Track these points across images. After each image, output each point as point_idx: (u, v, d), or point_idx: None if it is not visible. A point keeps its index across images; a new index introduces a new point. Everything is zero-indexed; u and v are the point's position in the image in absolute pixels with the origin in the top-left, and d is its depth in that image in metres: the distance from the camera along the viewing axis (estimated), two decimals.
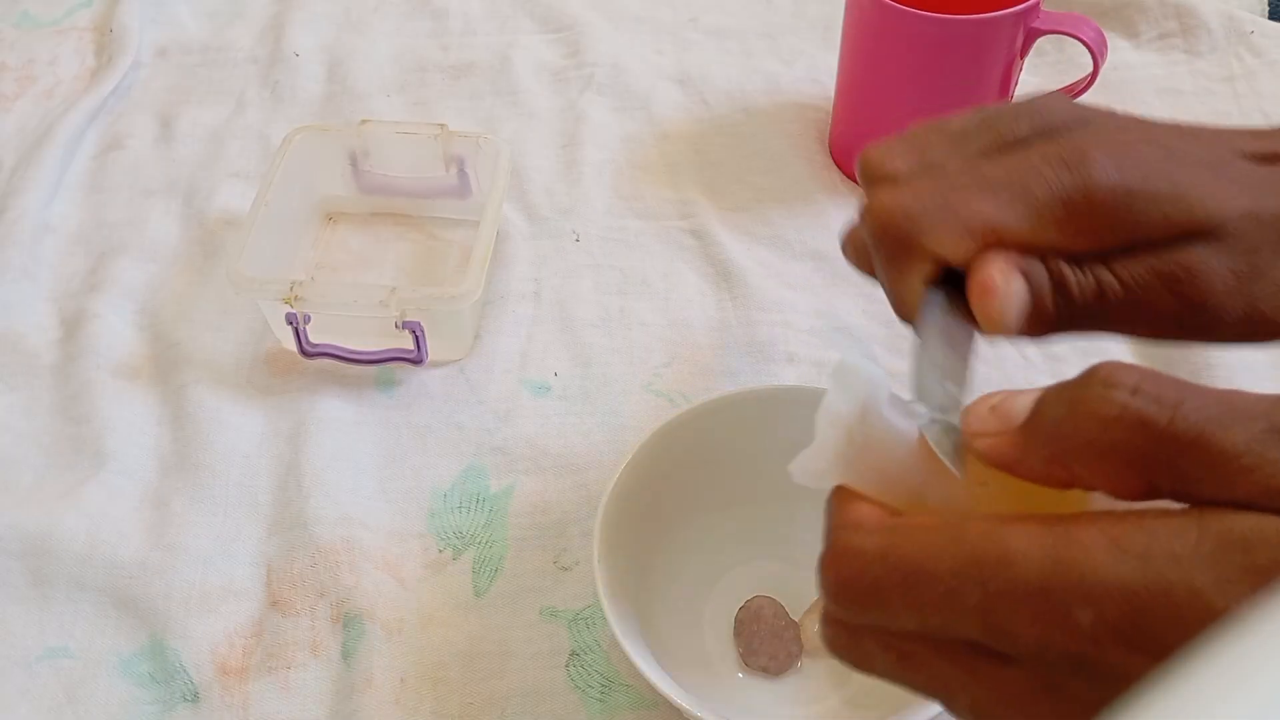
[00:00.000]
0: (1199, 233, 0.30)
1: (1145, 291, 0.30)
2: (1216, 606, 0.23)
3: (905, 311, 0.32)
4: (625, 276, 0.59)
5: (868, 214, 0.31)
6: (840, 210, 0.61)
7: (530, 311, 0.57)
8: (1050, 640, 0.24)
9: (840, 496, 0.28)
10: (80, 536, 0.47)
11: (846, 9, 0.59)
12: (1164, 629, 0.23)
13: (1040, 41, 0.57)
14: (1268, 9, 0.72)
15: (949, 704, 0.27)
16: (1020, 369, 0.53)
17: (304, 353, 0.53)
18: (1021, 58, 0.57)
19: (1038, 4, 0.55)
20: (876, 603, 0.26)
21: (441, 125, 0.58)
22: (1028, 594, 0.24)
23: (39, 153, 0.64)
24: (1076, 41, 0.57)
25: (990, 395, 0.28)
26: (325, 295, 0.52)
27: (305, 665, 0.44)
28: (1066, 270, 0.30)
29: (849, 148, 0.64)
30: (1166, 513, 0.24)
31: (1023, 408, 0.27)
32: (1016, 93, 0.60)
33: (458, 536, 0.48)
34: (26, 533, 0.47)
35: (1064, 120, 0.31)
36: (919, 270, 0.31)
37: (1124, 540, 0.24)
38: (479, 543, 0.48)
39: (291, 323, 0.51)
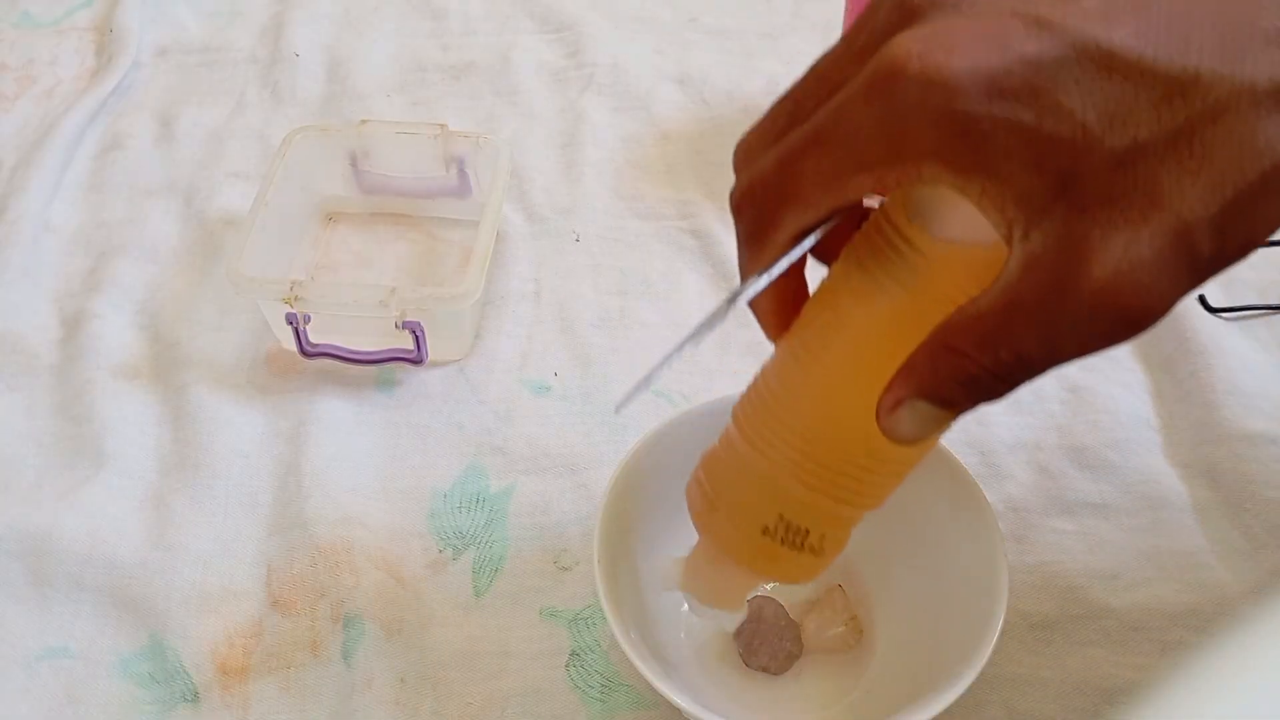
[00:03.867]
0: None
1: None
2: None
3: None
4: (625, 276, 0.59)
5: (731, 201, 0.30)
6: None
7: (530, 311, 0.57)
8: None
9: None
10: (80, 536, 0.47)
11: (846, 9, 0.59)
12: None
13: None
14: None
15: None
16: None
17: (304, 353, 0.53)
18: None
19: None
20: None
21: (441, 125, 0.58)
22: None
23: (39, 153, 0.64)
24: None
25: None
26: (325, 295, 0.52)
27: (305, 665, 0.44)
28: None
29: None
30: None
31: None
32: None
33: (458, 536, 0.48)
34: (26, 533, 0.47)
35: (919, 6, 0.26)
36: (775, 241, 0.30)
37: None
38: (479, 543, 0.48)
39: (291, 323, 0.51)
